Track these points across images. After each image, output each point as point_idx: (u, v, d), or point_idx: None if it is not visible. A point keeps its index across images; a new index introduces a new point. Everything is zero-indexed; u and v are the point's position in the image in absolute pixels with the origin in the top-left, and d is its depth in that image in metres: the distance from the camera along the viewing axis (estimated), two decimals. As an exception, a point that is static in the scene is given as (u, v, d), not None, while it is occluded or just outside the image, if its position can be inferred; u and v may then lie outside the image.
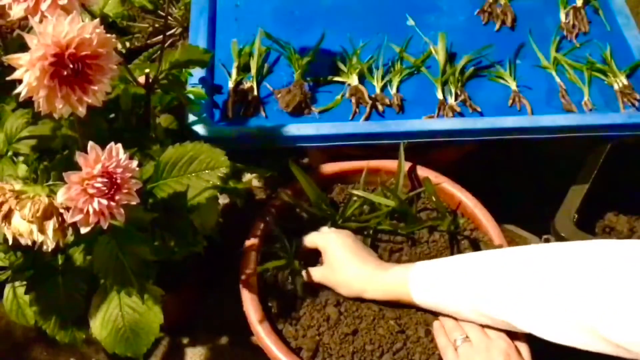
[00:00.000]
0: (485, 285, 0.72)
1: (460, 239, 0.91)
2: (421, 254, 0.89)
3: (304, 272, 0.85)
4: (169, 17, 1.33)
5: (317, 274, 0.84)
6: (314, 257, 0.87)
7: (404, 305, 0.82)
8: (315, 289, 0.85)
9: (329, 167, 0.96)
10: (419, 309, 0.82)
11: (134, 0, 1.19)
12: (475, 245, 0.90)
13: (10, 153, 0.76)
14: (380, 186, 0.92)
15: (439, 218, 0.90)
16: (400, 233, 0.89)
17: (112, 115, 0.82)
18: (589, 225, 1.06)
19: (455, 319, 0.79)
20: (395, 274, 0.80)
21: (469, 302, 0.74)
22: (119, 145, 0.59)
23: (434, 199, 0.90)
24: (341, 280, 0.82)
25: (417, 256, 0.88)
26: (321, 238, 0.85)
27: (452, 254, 0.89)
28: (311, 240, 0.86)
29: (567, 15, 1.11)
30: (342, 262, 0.82)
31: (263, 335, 0.80)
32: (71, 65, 0.56)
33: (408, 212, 0.90)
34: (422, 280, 0.78)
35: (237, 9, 1.11)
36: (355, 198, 0.91)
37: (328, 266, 0.84)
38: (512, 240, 1.14)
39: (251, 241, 0.87)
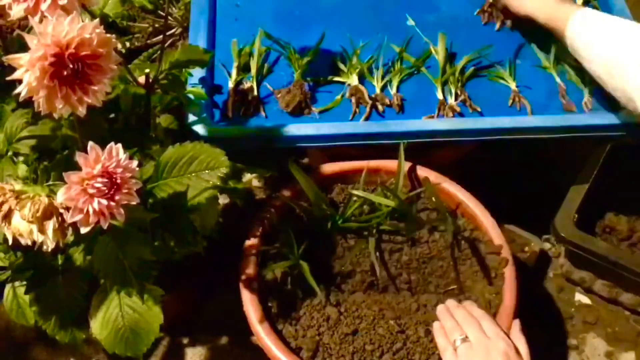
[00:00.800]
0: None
1: (460, 239, 0.91)
2: (421, 254, 0.89)
3: None
4: (169, 17, 1.33)
5: None
6: (320, 259, 0.87)
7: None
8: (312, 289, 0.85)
9: (329, 167, 0.96)
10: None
11: (134, 0, 1.19)
12: (475, 246, 0.90)
13: (10, 153, 0.76)
14: (380, 186, 0.92)
15: (439, 218, 0.90)
16: (400, 233, 0.89)
17: (112, 115, 0.82)
18: (589, 225, 1.06)
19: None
20: (562, 10, 0.92)
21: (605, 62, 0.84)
22: (119, 145, 0.59)
23: (434, 199, 0.90)
24: None
25: (417, 256, 0.88)
26: None
27: (452, 254, 0.89)
28: None
29: (567, 15, 1.11)
30: None
31: (263, 335, 0.80)
32: (71, 65, 0.56)
33: (408, 212, 0.90)
34: (581, 22, 0.89)
35: (237, 9, 1.11)
36: (355, 198, 0.91)
37: None
38: (512, 241, 1.14)
39: (251, 241, 0.87)
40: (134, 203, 0.61)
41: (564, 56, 1.03)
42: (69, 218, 0.58)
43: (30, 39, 0.55)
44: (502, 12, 1.08)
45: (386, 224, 0.89)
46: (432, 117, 0.98)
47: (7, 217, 0.60)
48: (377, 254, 0.87)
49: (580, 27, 0.89)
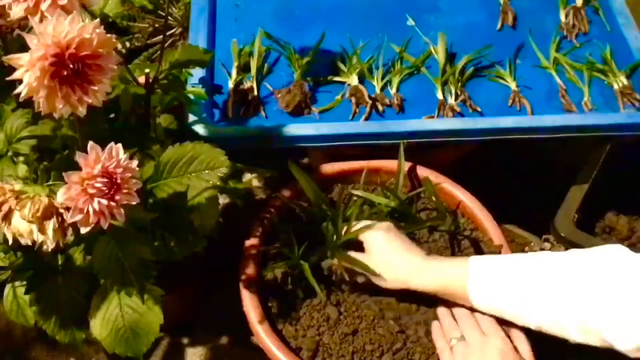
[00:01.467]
0: (558, 291, 0.70)
1: (460, 239, 0.91)
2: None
3: (346, 255, 0.82)
4: (169, 17, 1.33)
5: (358, 261, 0.81)
6: (320, 259, 0.87)
7: (417, 299, 0.81)
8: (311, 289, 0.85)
9: (329, 167, 0.96)
10: (428, 300, 0.81)
11: (134, 0, 1.19)
12: (476, 245, 0.90)
13: (10, 153, 0.75)
14: (380, 186, 0.92)
15: (439, 218, 0.90)
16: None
17: (112, 115, 0.82)
18: (589, 225, 1.06)
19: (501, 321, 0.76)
20: (450, 268, 0.77)
21: (539, 309, 0.71)
22: (119, 145, 0.59)
23: (434, 199, 0.90)
24: (386, 273, 0.80)
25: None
26: (363, 232, 0.83)
27: (452, 253, 0.89)
28: (354, 232, 0.84)
29: (567, 15, 1.11)
30: (386, 250, 0.80)
31: (263, 335, 0.80)
32: (71, 66, 0.56)
33: (408, 212, 0.90)
34: (483, 283, 0.74)
35: (237, 8, 1.11)
36: (355, 198, 0.91)
37: (369, 255, 0.81)
38: (512, 240, 1.14)
39: (251, 241, 0.87)
40: (134, 203, 0.61)
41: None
42: (69, 218, 0.58)
43: (30, 39, 0.55)
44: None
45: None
46: (432, 117, 0.98)
47: (7, 217, 0.60)
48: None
49: (485, 295, 0.74)
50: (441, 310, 0.82)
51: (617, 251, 0.70)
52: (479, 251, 0.89)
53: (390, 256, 0.80)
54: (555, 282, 0.71)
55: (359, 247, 0.84)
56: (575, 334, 0.70)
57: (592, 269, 0.69)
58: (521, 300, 0.72)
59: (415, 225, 0.89)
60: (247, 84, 1.01)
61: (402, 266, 0.79)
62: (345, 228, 0.85)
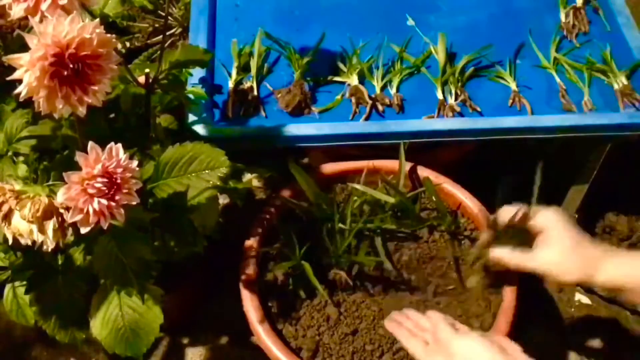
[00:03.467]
0: None
1: (460, 238, 0.91)
2: (421, 254, 0.89)
3: (502, 252, 0.75)
4: (169, 17, 1.33)
5: (535, 259, 0.74)
6: (320, 259, 0.87)
7: None
8: (312, 289, 0.85)
9: (329, 167, 0.96)
10: None
11: (134, 0, 1.19)
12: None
13: (10, 153, 0.76)
14: (382, 182, 0.92)
15: (440, 218, 0.90)
16: (401, 233, 0.89)
17: (112, 115, 0.82)
18: (589, 225, 1.06)
19: None
20: (635, 271, 0.70)
21: None
22: (119, 145, 0.59)
23: (434, 198, 0.90)
24: (568, 260, 0.72)
25: (417, 256, 0.88)
26: (540, 215, 0.75)
27: (453, 253, 0.89)
28: (532, 216, 0.76)
29: (567, 15, 1.11)
30: (576, 240, 0.72)
31: (263, 335, 0.80)
32: (71, 66, 0.56)
33: (410, 209, 0.90)
34: None
35: (237, 9, 1.11)
36: (355, 198, 0.91)
37: (548, 246, 0.73)
38: (512, 240, 1.14)
39: (251, 241, 0.87)
40: (134, 203, 0.61)
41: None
42: (69, 218, 0.58)
43: (30, 39, 0.55)
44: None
45: (389, 223, 0.89)
46: (432, 117, 0.98)
47: (7, 217, 0.60)
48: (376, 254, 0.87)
49: None
50: (391, 319, 0.80)
51: None
52: (479, 251, 0.89)
53: (578, 243, 0.72)
54: None
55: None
56: None
57: None
58: None
59: (416, 225, 0.89)
60: (247, 84, 1.01)
61: (588, 255, 0.72)
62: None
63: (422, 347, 0.73)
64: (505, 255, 0.76)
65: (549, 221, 0.74)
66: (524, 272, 0.75)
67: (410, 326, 0.77)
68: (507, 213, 0.78)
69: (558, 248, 0.73)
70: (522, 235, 0.76)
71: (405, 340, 0.76)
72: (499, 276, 0.81)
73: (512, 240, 0.77)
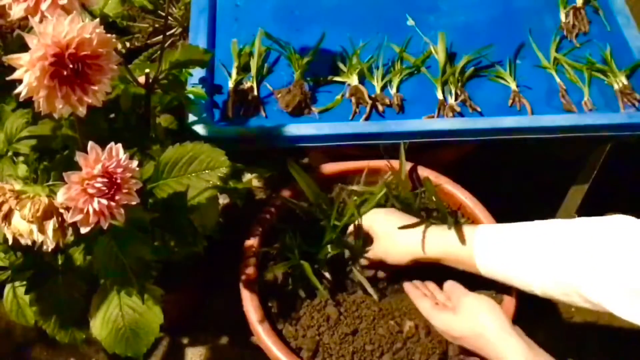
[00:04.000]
0: (562, 254, 0.70)
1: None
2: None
3: (362, 260, 0.86)
4: (169, 17, 1.33)
5: (369, 254, 0.85)
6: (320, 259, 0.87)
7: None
8: (313, 289, 0.85)
9: (329, 167, 0.96)
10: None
11: (134, 0, 1.19)
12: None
13: (10, 153, 0.76)
14: (382, 181, 0.92)
15: (440, 218, 0.90)
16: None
17: (112, 115, 0.82)
18: (589, 225, 1.06)
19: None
20: (456, 235, 0.78)
21: (543, 271, 0.71)
22: (119, 145, 0.59)
23: (434, 198, 0.90)
24: (392, 249, 0.83)
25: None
26: (365, 219, 0.86)
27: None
28: (358, 224, 0.87)
29: (567, 15, 1.11)
30: (390, 231, 0.83)
31: (263, 335, 0.80)
32: (71, 65, 0.56)
33: (411, 204, 0.89)
34: (489, 247, 0.76)
35: (237, 9, 1.11)
36: (355, 197, 0.91)
37: (377, 241, 0.84)
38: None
39: (251, 241, 0.87)
40: (134, 203, 0.61)
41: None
42: (69, 218, 0.58)
43: (30, 39, 0.55)
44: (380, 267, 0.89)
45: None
46: (432, 117, 0.98)
47: (7, 217, 0.60)
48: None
49: (493, 258, 0.75)
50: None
51: (624, 220, 0.70)
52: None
53: (392, 233, 0.82)
54: (561, 248, 0.71)
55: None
56: (579, 300, 0.70)
57: (598, 236, 0.69)
58: (527, 266, 0.73)
59: (416, 212, 0.89)
60: (247, 84, 1.01)
61: (406, 239, 0.81)
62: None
63: (430, 305, 0.79)
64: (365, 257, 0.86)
65: (370, 222, 0.86)
66: (379, 262, 0.85)
67: (425, 291, 0.83)
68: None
69: (378, 244, 0.84)
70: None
71: (417, 299, 0.81)
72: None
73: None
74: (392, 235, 0.83)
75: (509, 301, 0.83)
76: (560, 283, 0.70)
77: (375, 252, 0.85)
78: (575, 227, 0.72)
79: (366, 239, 0.87)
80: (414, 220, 0.83)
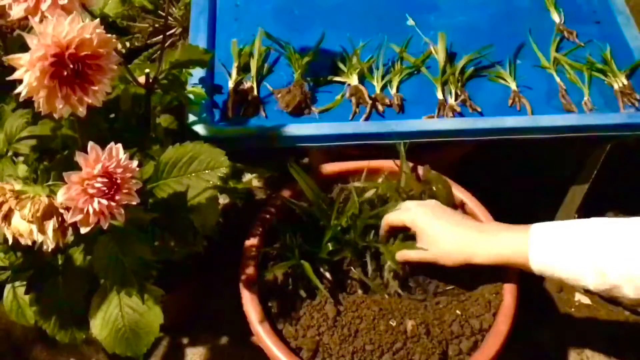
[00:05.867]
0: (612, 251, 0.70)
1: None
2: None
3: (397, 254, 0.83)
4: (169, 17, 1.33)
5: (412, 254, 0.82)
6: (320, 258, 0.87)
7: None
8: (313, 289, 0.85)
9: (329, 167, 0.96)
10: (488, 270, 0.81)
11: (134, 0, 1.19)
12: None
13: (10, 153, 0.76)
14: (382, 181, 0.92)
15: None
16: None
17: (112, 115, 0.82)
18: (589, 225, 1.06)
19: None
20: (510, 238, 0.77)
21: (593, 266, 0.71)
22: (119, 145, 0.59)
23: (434, 188, 0.90)
24: (442, 252, 0.79)
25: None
26: (407, 214, 0.82)
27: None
28: (395, 218, 0.84)
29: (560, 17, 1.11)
30: (439, 232, 0.79)
31: (263, 335, 0.80)
32: (71, 66, 0.56)
33: (414, 198, 0.89)
34: (545, 248, 0.74)
35: (237, 8, 1.11)
36: (355, 197, 0.91)
37: (423, 241, 0.81)
38: (512, 240, 1.14)
39: (251, 241, 0.87)
40: (134, 203, 0.61)
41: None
42: (69, 218, 0.58)
43: (30, 39, 0.55)
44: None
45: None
46: (432, 117, 0.98)
47: (7, 217, 0.60)
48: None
49: (549, 260, 0.74)
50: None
51: None
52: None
53: (444, 234, 0.79)
54: (615, 246, 0.70)
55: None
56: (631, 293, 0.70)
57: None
58: (581, 263, 0.72)
59: None
60: (247, 84, 1.01)
61: (460, 242, 0.78)
62: (384, 218, 0.85)
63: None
64: (404, 256, 0.84)
65: (410, 218, 0.82)
66: (425, 262, 0.82)
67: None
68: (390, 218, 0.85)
69: (423, 239, 0.81)
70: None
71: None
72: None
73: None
74: (442, 236, 0.79)
75: (509, 302, 0.83)
76: (612, 278, 0.70)
77: (426, 254, 0.81)
78: (635, 226, 0.71)
79: (395, 234, 0.85)
80: (465, 217, 0.82)
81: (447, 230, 0.79)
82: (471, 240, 0.78)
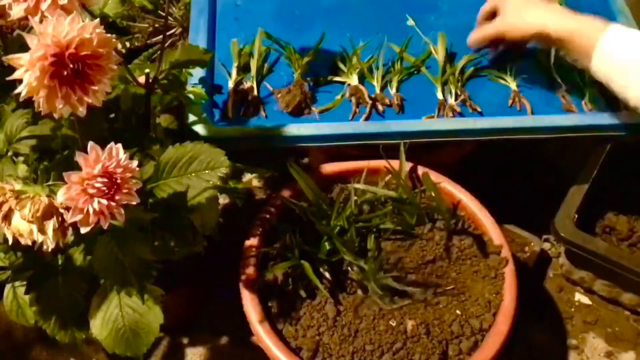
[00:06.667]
0: None
1: (460, 238, 0.91)
2: (421, 253, 0.89)
3: (475, 33, 0.95)
4: (169, 17, 1.33)
5: (489, 27, 0.91)
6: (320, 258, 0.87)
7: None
8: (313, 289, 0.85)
9: (329, 167, 0.96)
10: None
11: (134, 0, 1.19)
12: (475, 245, 0.90)
13: (10, 153, 0.76)
14: (382, 179, 0.92)
15: (439, 218, 0.90)
16: (400, 232, 0.89)
17: (112, 115, 0.82)
18: (589, 225, 1.06)
19: None
20: (588, 24, 0.82)
21: None
22: (119, 145, 0.59)
23: (433, 194, 0.90)
24: (519, 20, 0.87)
25: (416, 254, 0.88)
26: None
27: (452, 252, 0.89)
28: (489, 4, 0.93)
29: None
30: (520, 5, 0.87)
31: (263, 335, 0.80)
32: (71, 65, 0.56)
33: (412, 202, 0.89)
34: (614, 45, 0.78)
35: (237, 8, 1.11)
36: (355, 197, 0.91)
37: (503, 15, 0.89)
38: (512, 240, 1.14)
39: (251, 241, 0.87)
40: (134, 203, 0.61)
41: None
42: (69, 218, 0.58)
43: (30, 39, 0.55)
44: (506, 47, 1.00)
45: (389, 222, 0.89)
46: (432, 117, 0.98)
47: (7, 217, 0.60)
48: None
49: (615, 47, 0.78)
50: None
51: None
52: (478, 251, 0.89)
53: (522, 6, 0.87)
54: None
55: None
56: None
57: None
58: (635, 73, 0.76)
59: (416, 222, 0.89)
60: (247, 84, 1.01)
61: (536, 13, 0.85)
62: None
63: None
64: (479, 33, 0.94)
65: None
66: (498, 37, 0.92)
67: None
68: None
69: (506, 10, 0.89)
70: None
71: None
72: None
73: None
74: (522, 9, 0.86)
75: (509, 302, 0.83)
76: None
77: (499, 24, 0.89)
78: None
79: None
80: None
81: (526, 4, 0.87)
82: (549, 10, 0.85)
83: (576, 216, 0.98)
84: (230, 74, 1.01)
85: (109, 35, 0.58)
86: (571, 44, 0.83)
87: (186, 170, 0.75)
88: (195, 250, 0.77)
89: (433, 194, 0.90)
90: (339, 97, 1.00)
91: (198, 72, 0.97)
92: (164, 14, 1.29)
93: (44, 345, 1.09)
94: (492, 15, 0.95)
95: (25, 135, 0.76)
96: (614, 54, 0.78)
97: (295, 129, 0.94)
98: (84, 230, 0.59)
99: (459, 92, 1.00)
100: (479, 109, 0.99)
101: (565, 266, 1.09)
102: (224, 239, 0.84)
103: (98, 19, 0.58)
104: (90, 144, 0.58)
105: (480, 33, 0.91)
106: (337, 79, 1.02)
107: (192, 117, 0.93)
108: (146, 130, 0.84)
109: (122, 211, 0.60)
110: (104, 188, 0.58)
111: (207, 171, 0.75)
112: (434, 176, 0.93)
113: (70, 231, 0.63)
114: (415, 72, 1.04)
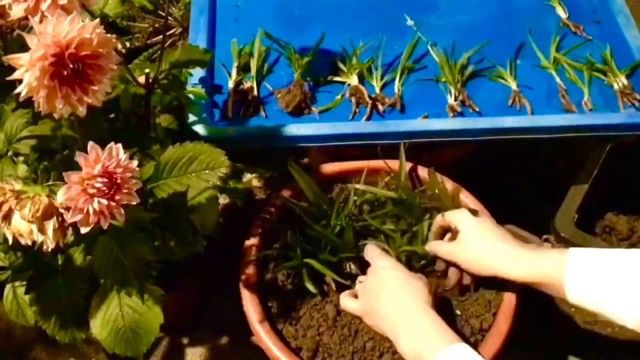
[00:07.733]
0: None
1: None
2: (420, 254, 0.89)
3: (428, 245, 0.84)
4: (169, 17, 1.33)
5: (444, 248, 0.82)
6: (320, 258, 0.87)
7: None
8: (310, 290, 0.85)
9: (329, 167, 0.96)
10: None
11: (134, 0, 1.19)
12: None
13: (10, 153, 0.76)
14: (382, 180, 0.92)
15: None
16: (399, 232, 0.89)
17: (112, 115, 0.82)
18: (589, 225, 1.06)
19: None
20: (547, 260, 0.74)
21: (634, 307, 0.67)
22: (119, 145, 0.59)
23: (437, 191, 0.90)
24: (474, 256, 0.78)
25: (416, 255, 0.88)
26: (455, 215, 0.83)
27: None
28: (444, 218, 0.84)
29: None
30: (479, 238, 0.79)
31: (263, 335, 0.80)
32: (71, 65, 0.56)
33: (412, 202, 0.89)
34: (582, 275, 0.70)
35: (237, 9, 1.11)
36: (355, 197, 0.91)
37: (460, 242, 0.80)
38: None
39: (251, 241, 0.87)
40: (134, 203, 0.61)
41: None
42: (69, 218, 0.58)
43: (30, 39, 0.55)
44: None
45: (389, 222, 0.89)
46: (427, 116, 0.98)
47: (7, 217, 0.60)
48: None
49: (580, 284, 0.70)
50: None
51: None
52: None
53: (483, 242, 0.79)
54: None
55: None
56: None
57: None
58: (620, 297, 0.68)
59: (416, 222, 0.89)
60: (247, 84, 1.01)
61: (497, 254, 0.77)
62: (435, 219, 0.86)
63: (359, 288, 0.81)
64: (434, 247, 0.84)
65: (458, 221, 0.82)
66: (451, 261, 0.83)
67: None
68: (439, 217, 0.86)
69: (464, 246, 0.80)
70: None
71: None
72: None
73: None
74: (479, 242, 0.78)
75: (509, 302, 0.83)
76: None
77: (455, 254, 0.80)
78: None
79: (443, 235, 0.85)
80: (507, 233, 0.80)
81: (486, 239, 0.78)
82: (508, 255, 0.77)
83: (576, 216, 0.98)
84: (230, 74, 1.01)
85: (109, 35, 0.58)
86: (540, 287, 0.75)
87: (186, 170, 0.75)
88: (195, 250, 0.77)
89: (433, 194, 0.90)
90: (339, 97, 1.00)
91: (198, 72, 0.97)
92: (164, 14, 1.29)
93: (44, 345, 1.09)
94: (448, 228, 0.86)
95: (25, 135, 0.76)
96: (585, 292, 0.70)
97: (295, 129, 0.94)
98: (84, 230, 0.59)
99: (458, 92, 1.00)
100: (479, 109, 0.99)
101: (565, 266, 1.09)
102: (224, 239, 0.84)
103: (98, 19, 0.58)
104: (90, 144, 0.58)
105: (434, 248, 0.83)
106: (337, 79, 1.02)
107: (192, 117, 0.93)
108: (146, 130, 0.84)
109: (122, 211, 0.60)
110: (104, 188, 0.58)
111: (207, 171, 0.75)
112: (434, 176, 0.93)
113: (70, 231, 0.63)
114: (415, 72, 1.04)
